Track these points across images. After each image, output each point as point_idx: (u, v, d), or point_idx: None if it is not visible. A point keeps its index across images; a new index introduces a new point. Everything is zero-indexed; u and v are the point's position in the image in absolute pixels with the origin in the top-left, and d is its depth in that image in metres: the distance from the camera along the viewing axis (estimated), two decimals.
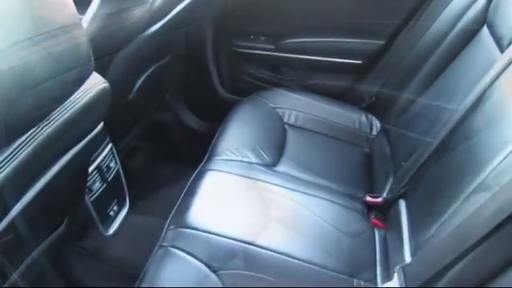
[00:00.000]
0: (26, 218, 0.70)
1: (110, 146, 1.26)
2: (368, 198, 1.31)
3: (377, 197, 1.31)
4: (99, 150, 1.21)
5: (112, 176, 1.26)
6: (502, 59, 1.01)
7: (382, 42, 1.73)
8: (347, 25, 1.73)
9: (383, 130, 1.63)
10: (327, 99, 1.75)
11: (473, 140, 1.01)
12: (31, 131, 0.62)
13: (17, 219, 0.67)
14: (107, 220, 1.24)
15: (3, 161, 0.60)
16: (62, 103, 0.65)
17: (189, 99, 1.98)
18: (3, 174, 0.59)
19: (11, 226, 0.67)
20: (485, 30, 1.21)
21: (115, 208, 1.28)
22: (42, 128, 0.64)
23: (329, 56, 1.78)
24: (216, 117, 1.63)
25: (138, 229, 1.31)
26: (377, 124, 1.69)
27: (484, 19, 1.23)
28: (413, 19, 1.65)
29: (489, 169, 0.88)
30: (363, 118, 1.71)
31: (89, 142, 0.81)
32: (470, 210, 0.83)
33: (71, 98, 0.69)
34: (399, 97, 1.60)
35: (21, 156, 0.62)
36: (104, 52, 1.07)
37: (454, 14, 1.37)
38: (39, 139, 0.64)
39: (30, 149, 0.63)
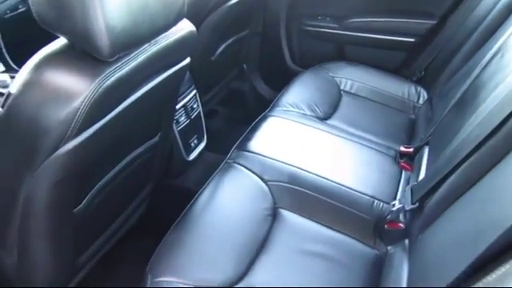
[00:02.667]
0: (124, 122, 1.01)
1: (194, 91, 1.61)
2: (402, 148, 1.54)
3: (410, 147, 1.54)
4: (186, 93, 1.57)
5: (194, 115, 1.61)
6: None
7: (434, 22, 1.94)
8: (403, 6, 1.96)
9: (429, 100, 1.85)
10: (381, 72, 1.99)
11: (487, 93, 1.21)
12: (138, 50, 0.95)
13: (116, 121, 0.98)
14: (189, 148, 1.59)
15: (111, 71, 0.88)
16: (163, 33, 0.99)
17: (263, 70, 2.30)
18: (109, 81, 0.87)
19: (111, 125, 0.98)
20: None
21: (195, 141, 1.63)
22: (147, 49, 0.97)
23: (385, 34, 2.02)
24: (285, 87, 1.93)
25: (211, 160, 1.64)
26: (424, 95, 1.90)
27: None
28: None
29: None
30: (412, 89, 1.92)
31: (178, 69, 1.14)
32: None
33: (169, 32, 1.02)
34: (445, 70, 1.80)
35: (126, 68, 0.94)
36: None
37: None
38: (142, 57, 0.97)
39: (134, 63, 0.95)
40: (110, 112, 0.93)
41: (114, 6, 0.81)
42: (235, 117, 2.38)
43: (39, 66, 0.87)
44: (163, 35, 1.01)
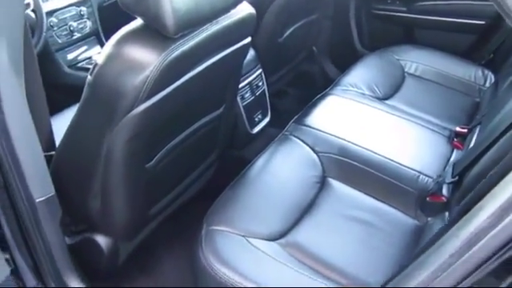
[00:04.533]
0: (188, 92, 1.17)
1: (260, 70, 1.75)
2: (457, 129, 1.58)
3: (465, 127, 1.57)
4: (251, 72, 1.71)
5: (259, 92, 1.76)
6: None
7: None
8: None
9: (495, 83, 1.83)
10: (449, 55, 2.00)
11: None
12: (200, 29, 1.11)
13: (181, 90, 1.14)
14: (253, 123, 1.74)
15: (176, 46, 1.03)
16: (222, 14, 1.13)
17: (332, 53, 2.39)
18: (174, 55, 1.02)
19: (176, 93, 1.13)
20: None
21: (259, 116, 1.77)
22: (208, 28, 1.13)
23: (454, 17, 2.02)
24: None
25: (274, 135, 1.78)
26: (491, 78, 1.89)
27: None
28: None
29: None
30: (479, 72, 1.92)
31: (239, 47, 1.28)
32: None
33: (230, 13, 1.16)
34: None
35: (189, 44, 1.08)
36: None
37: None
38: (204, 35, 1.12)
39: (196, 40, 1.11)
40: (175, 81, 1.10)
41: None
42: (304, 98, 2.48)
43: (119, 42, 1.05)
44: (223, 16, 1.16)
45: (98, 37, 2.09)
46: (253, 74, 1.72)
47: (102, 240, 1.32)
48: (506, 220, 0.70)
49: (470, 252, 0.73)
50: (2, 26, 0.90)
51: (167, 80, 1.07)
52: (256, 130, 1.75)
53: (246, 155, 1.77)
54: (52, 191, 1.12)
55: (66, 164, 1.19)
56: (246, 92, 1.69)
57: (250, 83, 1.70)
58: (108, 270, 1.40)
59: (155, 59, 1.02)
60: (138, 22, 1.09)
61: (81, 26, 2.00)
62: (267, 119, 1.82)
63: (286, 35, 1.94)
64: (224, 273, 1.07)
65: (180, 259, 1.56)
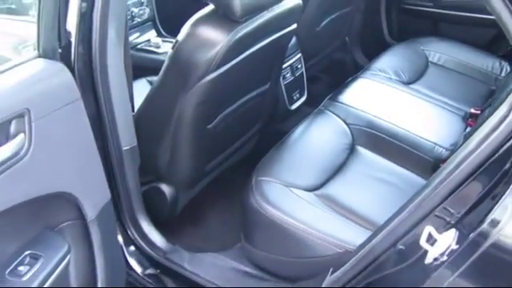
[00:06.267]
0: (245, 67, 1.43)
1: (299, 55, 2.01)
2: (472, 110, 1.80)
3: (479, 109, 1.79)
4: (292, 55, 1.97)
5: (298, 74, 2.01)
6: None
7: None
8: None
9: (511, 72, 2.05)
10: (469, 47, 2.21)
11: None
12: (259, 14, 1.37)
13: (240, 65, 1.40)
14: (291, 100, 2.00)
15: (240, 28, 1.29)
16: (276, 4, 1.39)
17: (363, 43, 2.62)
18: (238, 35, 1.29)
19: (237, 67, 1.39)
20: None
21: (297, 95, 2.03)
22: (265, 14, 1.38)
23: (476, 12, 2.22)
24: None
25: (309, 112, 2.03)
26: (507, 68, 2.10)
27: None
28: None
29: None
30: (497, 63, 2.13)
31: (286, 32, 1.54)
32: None
33: (281, 3, 1.42)
34: None
35: (251, 26, 1.34)
36: None
37: None
38: (262, 20, 1.38)
39: (256, 23, 1.36)
40: (237, 57, 1.37)
41: None
42: (335, 84, 2.73)
43: (195, 24, 1.33)
44: (276, 5, 1.42)
45: (154, 22, 2.38)
46: (293, 57, 1.97)
47: (166, 189, 1.60)
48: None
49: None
50: (113, 11, 1.18)
51: (231, 55, 1.34)
52: (294, 106, 2.01)
53: (284, 128, 2.03)
54: (135, 142, 1.41)
55: (144, 121, 1.47)
56: (287, 73, 1.94)
57: (290, 65, 1.95)
58: (168, 216, 1.68)
59: (224, 38, 1.29)
60: (209, 8, 1.36)
61: (141, 12, 2.28)
62: (304, 98, 2.08)
63: (322, 25, 2.18)
64: (272, 212, 1.34)
65: (223, 214, 1.83)
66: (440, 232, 0.84)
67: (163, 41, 2.24)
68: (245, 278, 1.42)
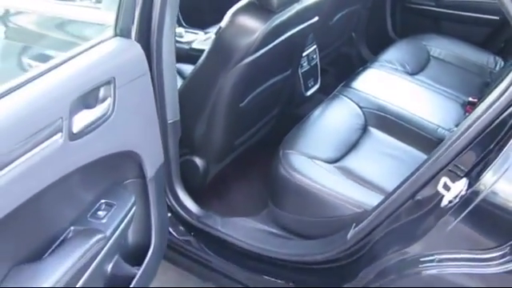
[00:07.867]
0: (275, 52, 1.63)
1: (315, 46, 2.21)
2: (470, 98, 2.02)
3: (476, 97, 2.01)
4: (309, 46, 2.17)
5: (313, 64, 2.21)
6: None
7: None
8: None
9: (505, 67, 2.27)
10: (467, 43, 2.44)
11: None
12: (291, 6, 1.57)
13: (271, 51, 1.59)
14: (307, 87, 2.20)
15: (276, 17, 1.50)
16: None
17: (368, 39, 2.83)
18: (274, 24, 1.52)
19: (269, 52, 1.59)
20: None
21: (312, 82, 2.23)
22: (295, 6, 1.58)
23: (474, 12, 2.45)
24: None
25: (322, 99, 2.24)
26: (501, 63, 2.32)
27: None
28: None
29: None
30: (492, 59, 2.35)
31: (310, 24, 1.74)
32: None
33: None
34: None
35: (284, 16, 1.54)
36: None
37: None
38: (293, 11, 1.56)
39: (288, 14, 1.56)
40: (270, 43, 1.56)
41: None
42: (341, 76, 2.93)
43: (234, 13, 1.52)
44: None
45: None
46: (310, 48, 2.17)
47: (198, 161, 1.79)
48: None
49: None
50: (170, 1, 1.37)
51: (267, 41, 1.54)
52: (309, 93, 2.21)
53: (299, 112, 2.23)
54: (178, 117, 1.60)
55: (186, 97, 1.65)
56: (304, 62, 2.14)
57: (307, 55, 2.15)
58: (198, 187, 1.87)
59: (261, 26, 1.48)
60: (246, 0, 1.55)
61: None
62: (317, 86, 2.28)
63: (334, 20, 2.38)
64: (299, 178, 1.54)
65: (248, 185, 2.02)
66: (453, 181, 1.05)
67: (186, 31, 2.43)
68: (273, 237, 1.62)
